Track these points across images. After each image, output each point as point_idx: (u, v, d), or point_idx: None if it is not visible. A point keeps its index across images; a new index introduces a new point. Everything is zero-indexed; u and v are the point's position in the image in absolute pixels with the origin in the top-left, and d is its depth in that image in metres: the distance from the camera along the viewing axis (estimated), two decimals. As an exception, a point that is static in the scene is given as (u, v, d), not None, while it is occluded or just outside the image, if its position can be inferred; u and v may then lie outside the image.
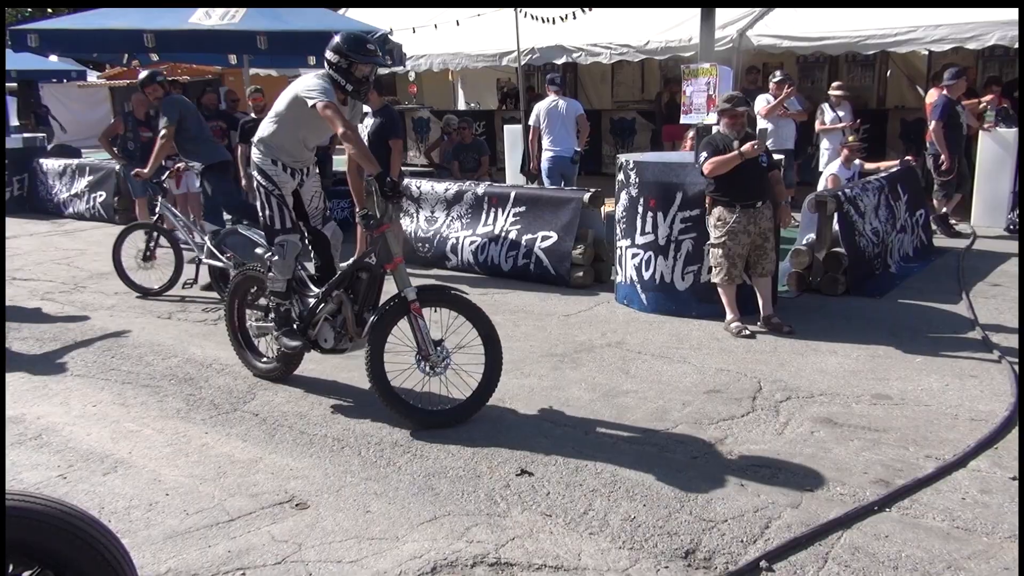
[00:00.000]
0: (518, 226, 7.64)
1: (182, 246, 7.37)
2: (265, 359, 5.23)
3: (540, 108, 9.41)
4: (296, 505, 3.63)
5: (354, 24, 10.40)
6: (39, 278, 7.94)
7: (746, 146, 5.69)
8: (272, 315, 4.92)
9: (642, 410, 4.59)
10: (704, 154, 5.81)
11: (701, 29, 6.80)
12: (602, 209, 7.64)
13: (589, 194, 7.42)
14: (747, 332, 5.76)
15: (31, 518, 1.95)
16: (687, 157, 6.64)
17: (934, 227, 8.85)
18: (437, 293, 4.52)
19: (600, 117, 14.66)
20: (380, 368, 4.35)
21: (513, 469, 3.91)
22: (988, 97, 9.57)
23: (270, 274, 4.79)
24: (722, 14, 8.15)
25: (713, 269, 5.94)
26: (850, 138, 8.85)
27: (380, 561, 3.19)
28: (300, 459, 4.09)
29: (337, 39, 4.53)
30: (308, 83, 4.49)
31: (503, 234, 7.71)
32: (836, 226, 6.72)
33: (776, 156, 6.34)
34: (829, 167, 8.88)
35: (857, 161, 8.67)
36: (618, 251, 6.75)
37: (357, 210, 5.18)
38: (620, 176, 6.60)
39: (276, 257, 4.74)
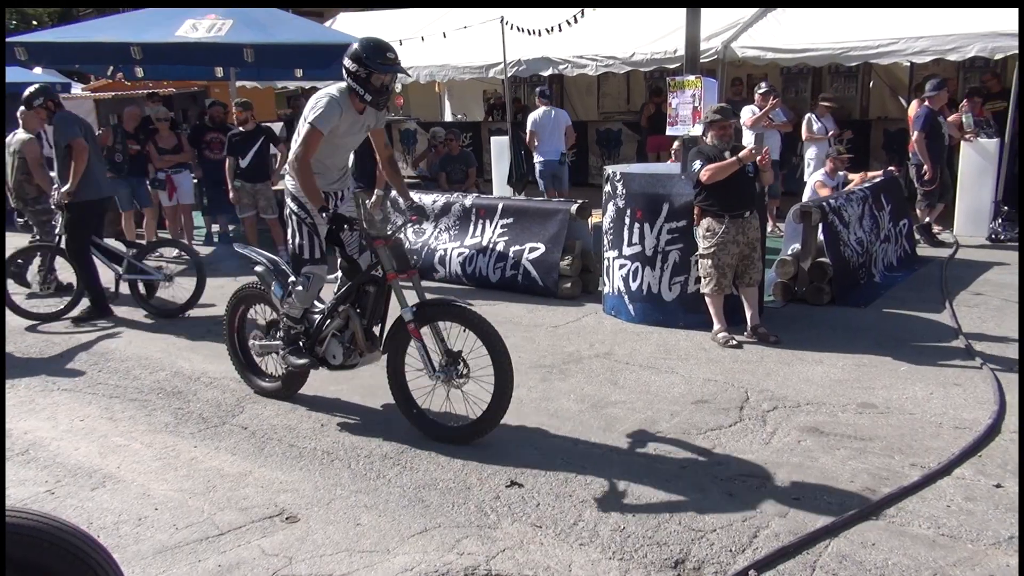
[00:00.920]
0: (506, 237, 7.67)
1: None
2: (269, 377, 5.17)
3: (535, 116, 10.49)
4: (286, 518, 3.63)
5: (340, 37, 10.40)
6: (21, 291, 7.89)
7: (744, 151, 5.77)
8: (278, 333, 4.83)
9: (631, 420, 4.62)
10: (698, 163, 5.85)
11: (687, 30, 6.70)
12: (589, 220, 7.68)
13: (576, 206, 7.46)
14: (734, 342, 5.80)
15: (22, 533, 1.95)
16: (674, 169, 6.69)
17: (917, 236, 8.94)
18: (442, 308, 4.35)
19: (586, 128, 14.73)
20: (401, 381, 4.48)
21: (503, 480, 3.92)
22: (963, 104, 9.69)
23: (289, 299, 4.66)
24: (706, 26, 8.16)
25: (702, 280, 5.98)
26: (838, 148, 8.94)
27: (371, 573, 3.20)
28: (290, 472, 4.09)
29: (356, 47, 4.32)
30: (314, 102, 4.35)
31: (491, 245, 7.74)
32: (821, 236, 6.78)
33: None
34: (814, 175, 8.96)
35: (841, 172, 8.75)
36: (605, 262, 6.79)
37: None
38: (607, 187, 6.65)
39: (300, 288, 4.59)
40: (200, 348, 6.15)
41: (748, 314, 5.95)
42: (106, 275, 7.27)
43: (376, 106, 4.45)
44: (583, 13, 11.57)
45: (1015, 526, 3.40)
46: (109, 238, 7.64)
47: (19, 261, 7.81)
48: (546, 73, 12.30)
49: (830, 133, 10.16)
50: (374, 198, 7.80)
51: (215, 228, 10.91)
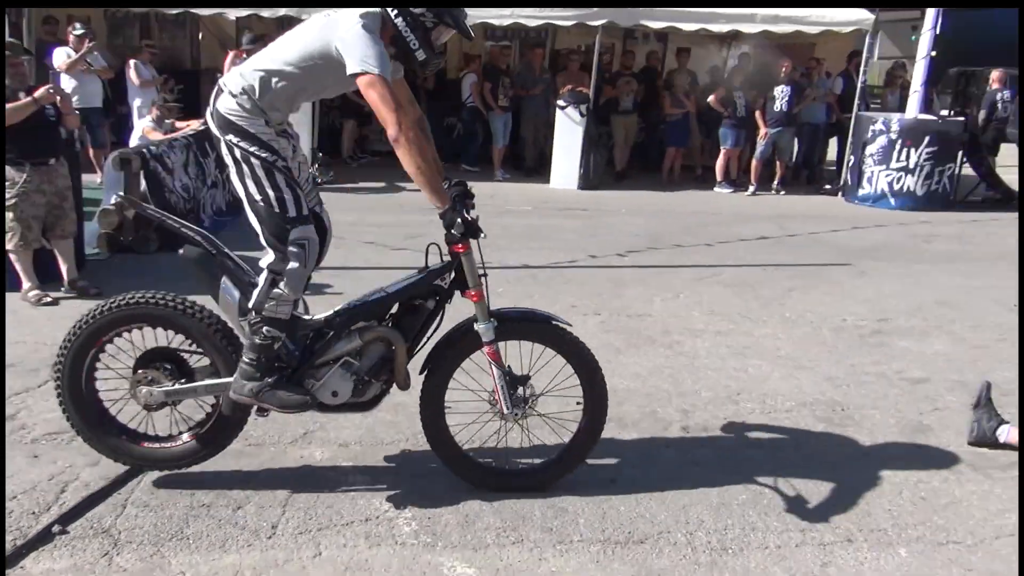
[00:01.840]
0: None
1: None
2: (166, 439, 3.44)
3: None
4: None
5: None
6: None
7: (40, 91, 5.27)
8: (250, 359, 3.14)
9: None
10: None
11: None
12: None
13: None
14: (48, 299, 5.41)
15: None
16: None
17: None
18: (532, 326, 3.37)
19: None
20: (443, 422, 3.38)
21: None
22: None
23: (276, 291, 3.09)
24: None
25: (6, 235, 5.40)
26: (164, 97, 8.87)
27: None
28: None
29: None
30: (357, 39, 2.92)
31: None
32: (144, 184, 6.69)
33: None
34: (142, 122, 8.76)
35: (169, 120, 8.73)
36: None
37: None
38: None
39: (294, 265, 3.07)
40: None
41: (64, 268, 5.59)
42: None
43: (423, 69, 3.20)
44: None
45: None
46: None
47: None
48: None
49: (156, 81, 10.03)
50: None
51: None
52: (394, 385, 3.29)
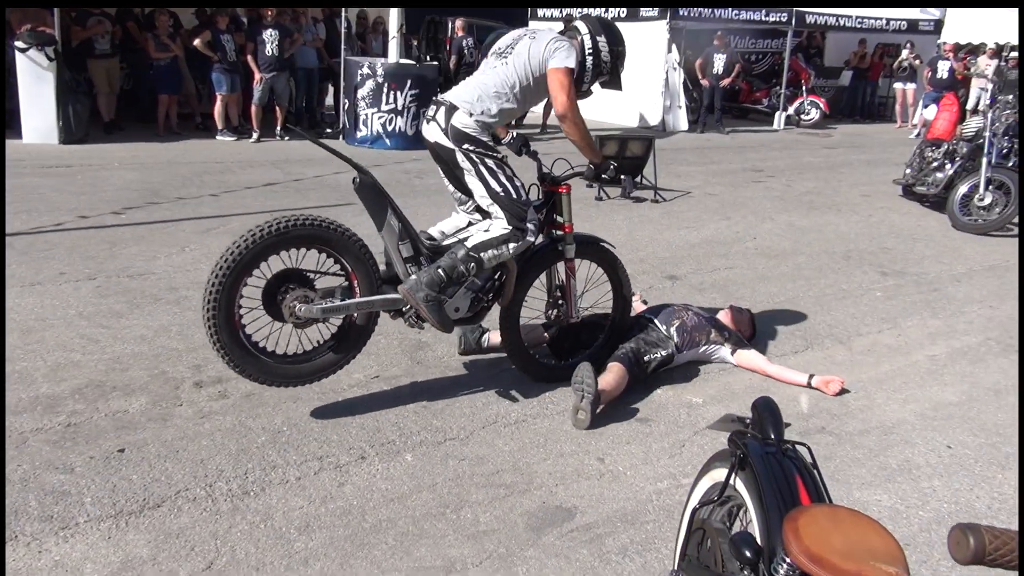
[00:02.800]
0: None
1: None
2: (309, 355, 3.75)
3: None
4: None
5: None
6: None
7: None
8: (440, 275, 3.67)
9: None
10: None
11: None
12: None
13: None
14: None
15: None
16: None
17: None
18: (594, 247, 4.26)
19: None
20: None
21: None
22: None
23: (503, 248, 3.74)
24: None
25: None
26: None
27: None
28: None
29: (603, 27, 3.96)
30: (563, 47, 3.74)
31: None
32: None
33: None
34: None
35: None
36: None
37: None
38: None
39: (529, 239, 3.81)
40: None
41: None
42: None
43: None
44: None
45: None
46: None
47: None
48: None
49: None
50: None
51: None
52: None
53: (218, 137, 11.43)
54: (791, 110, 16.94)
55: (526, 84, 3.75)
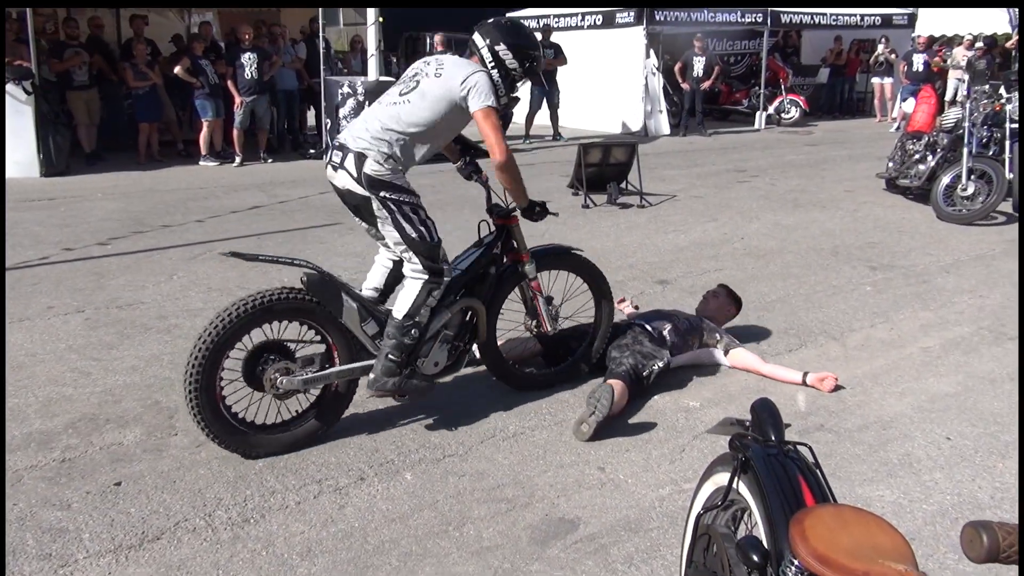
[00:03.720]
0: None
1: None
2: (288, 424, 3.65)
3: None
4: None
5: None
6: None
7: None
8: (394, 358, 3.63)
9: None
10: None
11: None
12: None
13: None
14: None
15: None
16: None
17: None
18: (557, 257, 4.31)
19: None
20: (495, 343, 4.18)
21: None
22: None
23: (431, 299, 3.68)
24: None
25: None
26: None
27: None
28: None
29: (501, 32, 3.69)
30: (477, 83, 3.53)
31: None
32: None
33: None
34: None
35: None
36: None
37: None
38: None
39: (446, 278, 3.72)
40: None
41: None
42: None
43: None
44: None
45: None
46: None
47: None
48: None
49: None
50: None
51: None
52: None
53: (201, 163, 11.41)
54: (771, 109, 17.05)
55: (440, 123, 3.60)
